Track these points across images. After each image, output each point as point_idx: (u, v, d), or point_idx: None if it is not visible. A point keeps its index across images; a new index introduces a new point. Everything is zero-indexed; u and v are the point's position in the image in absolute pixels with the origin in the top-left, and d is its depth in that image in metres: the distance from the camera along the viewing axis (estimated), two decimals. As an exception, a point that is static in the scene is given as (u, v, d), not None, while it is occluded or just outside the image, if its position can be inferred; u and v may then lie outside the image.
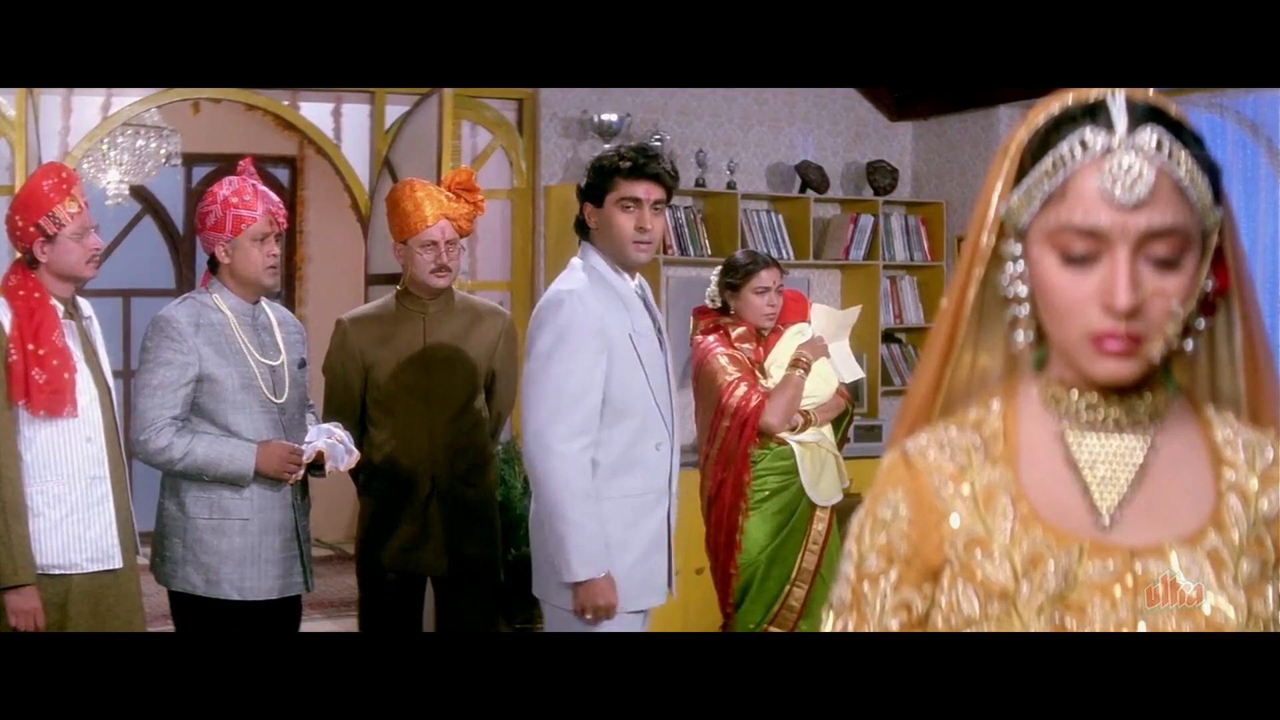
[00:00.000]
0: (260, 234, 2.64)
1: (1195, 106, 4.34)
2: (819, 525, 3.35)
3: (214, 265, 2.69)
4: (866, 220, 5.26)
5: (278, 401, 2.68)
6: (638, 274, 2.54)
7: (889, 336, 5.41)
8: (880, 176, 5.34)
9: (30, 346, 2.46)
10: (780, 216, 5.20)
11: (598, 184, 2.44)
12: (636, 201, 2.42)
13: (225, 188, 2.66)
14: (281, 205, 2.73)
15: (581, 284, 2.44)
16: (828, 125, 5.42)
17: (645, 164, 2.42)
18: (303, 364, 2.77)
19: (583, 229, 2.49)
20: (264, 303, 2.74)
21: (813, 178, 5.23)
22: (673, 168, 2.50)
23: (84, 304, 2.68)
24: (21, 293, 2.51)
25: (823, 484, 3.35)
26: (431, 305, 2.97)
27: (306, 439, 2.72)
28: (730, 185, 5.13)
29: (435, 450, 2.91)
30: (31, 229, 2.54)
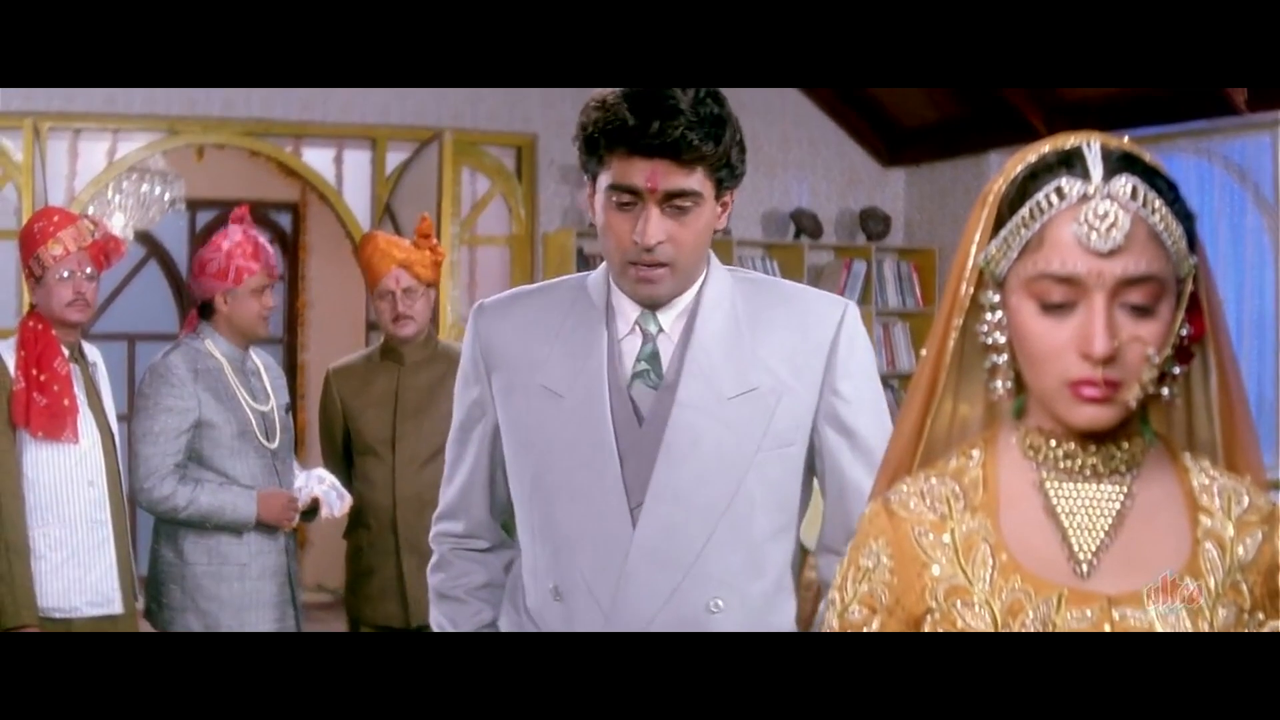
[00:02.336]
0: (260, 285, 2.69)
1: (1182, 152, 4.40)
2: (810, 573, 3.33)
3: (205, 311, 2.72)
4: (860, 266, 5.31)
5: (270, 447, 2.70)
6: (690, 300, 1.45)
7: (881, 382, 5.43)
8: (873, 223, 5.40)
9: (34, 372, 2.51)
10: (775, 263, 5.25)
11: (586, 155, 1.42)
12: (632, 195, 1.37)
13: (229, 238, 2.72)
14: (276, 256, 2.79)
15: (521, 294, 1.55)
16: (821, 172, 5.48)
17: (644, 126, 1.33)
18: (288, 408, 2.80)
19: None
20: (250, 348, 2.78)
21: (806, 224, 5.28)
22: (712, 119, 1.36)
23: (91, 350, 2.72)
24: (30, 324, 2.58)
25: (815, 528, 3.33)
26: (409, 355, 2.95)
27: (296, 484, 2.74)
28: (725, 231, 5.17)
29: (401, 501, 2.89)
30: (25, 270, 2.62)
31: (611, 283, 1.46)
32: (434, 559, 1.58)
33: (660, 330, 1.45)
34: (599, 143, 1.37)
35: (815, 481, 1.52)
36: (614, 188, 1.38)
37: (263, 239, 2.74)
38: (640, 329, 1.45)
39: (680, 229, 1.39)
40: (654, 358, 1.44)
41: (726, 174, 1.40)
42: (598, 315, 1.45)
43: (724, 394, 1.42)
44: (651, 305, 1.44)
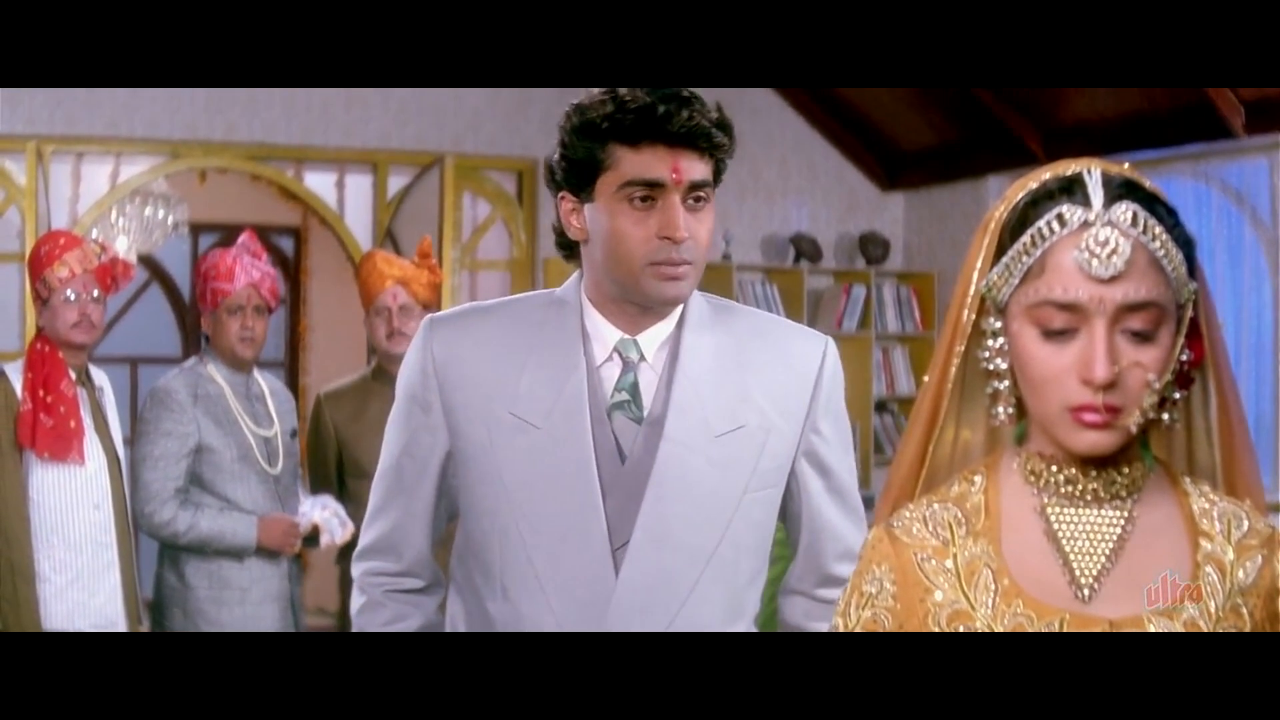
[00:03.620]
0: (235, 306, 2.68)
1: (1179, 175, 4.42)
2: None
3: (207, 335, 2.74)
4: (859, 291, 5.33)
5: (273, 472, 2.70)
6: (679, 318, 1.38)
7: (881, 406, 5.44)
8: (872, 247, 5.42)
9: (40, 393, 2.52)
10: (775, 287, 5.27)
11: (582, 158, 1.33)
12: (651, 189, 1.31)
13: (208, 260, 2.74)
14: (272, 278, 2.75)
15: (480, 310, 1.43)
16: (820, 196, 5.51)
17: (671, 114, 1.29)
18: (294, 433, 2.80)
19: (565, 242, 1.41)
20: (256, 373, 2.78)
21: (806, 249, 5.31)
22: (720, 113, 1.35)
23: (98, 374, 2.73)
24: (37, 346, 2.59)
25: None
26: None
27: (301, 509, 2.74)
28: (725, 256, 5.20)
29: None
30: (32, 292, 2.64)
31: (586, 304, 1.36)
32: (362, 601, 1.45)
33: (642, 358, 1.36)
34: (613, 136, 1.30)
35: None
36: (632, 183, 1.30)
37: (248, 260, 2.72)
38: (620, 355, 1.36)
39: (697, 225, 1.32)
40: (635, 388, 1.35)
41: (724, 168, 1.36)
42: (572, 339, 1.35)
43: (713, 431, 1.34)
44: (673, 306, 1.35)
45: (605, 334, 1.36)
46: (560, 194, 1.37)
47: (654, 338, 1.37)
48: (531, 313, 1.39)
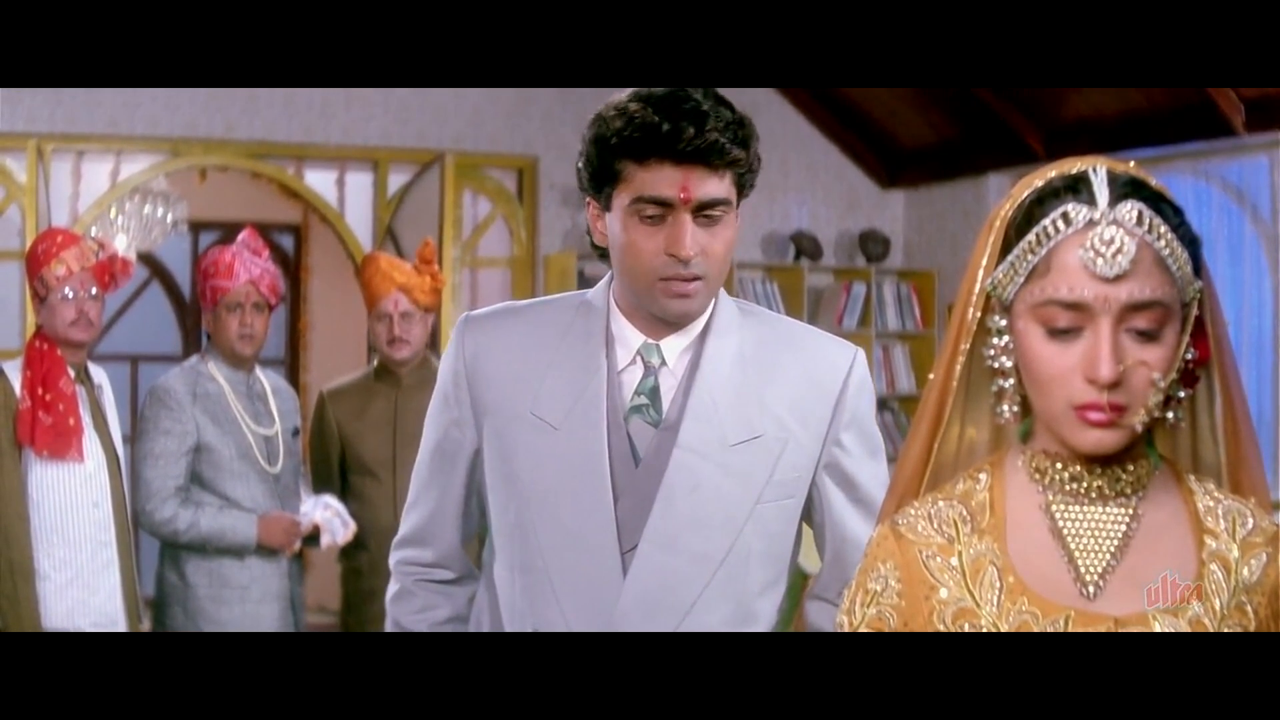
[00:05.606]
0: (234, 303, 2.68)
1: (1180, 173, 4.43)
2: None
3: (209, 334, 2.74)
4: (859, 289, 5.33)
5: (273, 471, 2.70)
6: (703, 324, 1.39)
7: (881, 405, 5.44)
8: (872, 245, 5.42)
9: (39, 391, 2.53)
10: (775, 285, 5.27)
11: (598, 169, 1.34)
12: (660, 206, 1.31)
13: (208, 257, 2.74)
14: (272, 274, 2.75)
15: (512, 310, 1.45)
16: (821, 194, 5.51)
17: (678, 132, 1.28)
18: (296, 432, 2.80)
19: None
20: (259, 371, 2.77)
21: (806, 247, 5.31)
22: (736, 122, 1.32)
23: (97, 371, 2.72)
24: (36, 344, 2.59)
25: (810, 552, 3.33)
26: (406, 378, 2.93)
27: (302, 509, 2.74)
28: (727, 253, 5.21)
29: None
30: (30, 290, 2.64)
31: (614, 307, 1.38)
32: (394, 589, 1.50)
33: (663, 363, 1.37)
34: (622, 152, 1.30)
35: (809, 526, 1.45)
36: (641, 200, 1.30)
37: (248, 257, 2.72)
38: (642, 360, 1.38)
39: (711, 240, 1.32)
40: (654, 393, 1.37)
41: (749, 180, 1.34)
42: (597, 342, 1.37)
43: (727, 440, 1.34)
44: (683, 321, 1.36)
45: (629, 338, 1.38)
46: (587, 199, 1.39)
47: (677, 343, 1.38)
48: (561, 315, 1.41)
